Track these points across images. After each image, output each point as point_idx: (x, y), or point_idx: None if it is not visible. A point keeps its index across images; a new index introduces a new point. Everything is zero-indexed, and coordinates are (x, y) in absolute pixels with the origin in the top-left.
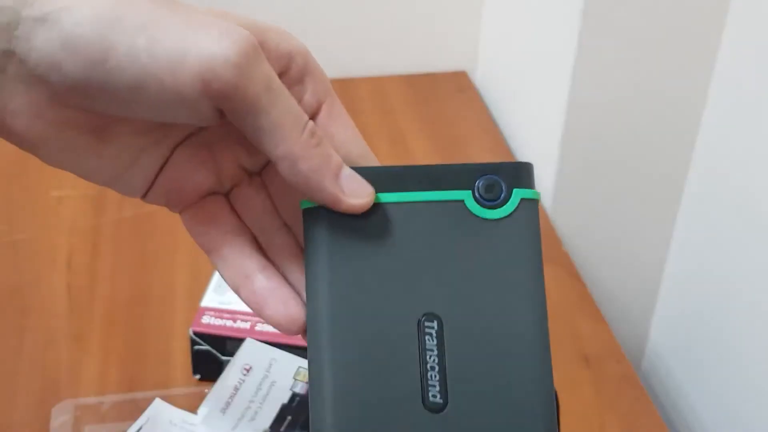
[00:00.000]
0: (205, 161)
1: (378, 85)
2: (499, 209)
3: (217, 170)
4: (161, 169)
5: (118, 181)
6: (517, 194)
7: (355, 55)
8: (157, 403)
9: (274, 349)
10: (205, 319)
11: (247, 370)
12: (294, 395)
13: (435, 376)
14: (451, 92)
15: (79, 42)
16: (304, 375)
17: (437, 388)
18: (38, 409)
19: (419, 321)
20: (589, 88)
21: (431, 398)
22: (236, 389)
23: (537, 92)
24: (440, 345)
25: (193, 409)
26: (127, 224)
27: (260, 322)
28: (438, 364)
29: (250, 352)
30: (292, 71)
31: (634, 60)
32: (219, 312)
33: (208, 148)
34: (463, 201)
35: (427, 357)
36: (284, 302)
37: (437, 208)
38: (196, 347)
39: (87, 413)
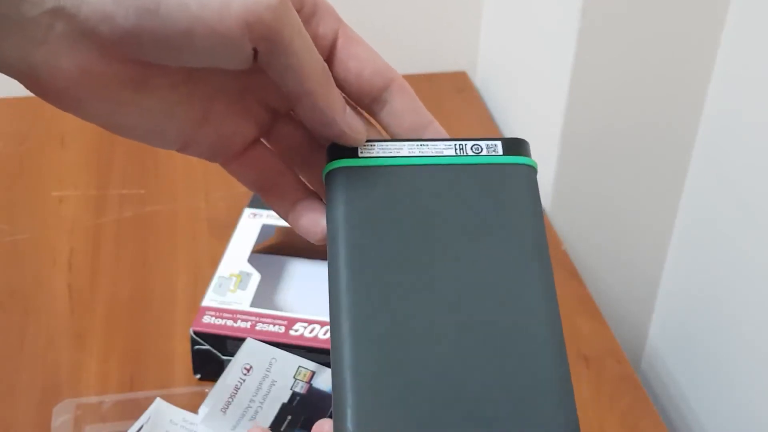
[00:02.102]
0: (242, 111)
1: None
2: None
3: (253, 118)
4: (200, 124)
5: (153, 135)
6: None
7: None
8: (158, 402)
9: (275, 348)
10: (206, 319)
11: (248, 370)
12: (294, 395)
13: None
14: (450, 93)
15: None
16: (305, 374)
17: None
18: (39, 409)
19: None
20: (589, 88)
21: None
22: (237, 389)
23: (537, 92)
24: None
25: (193, 408)
26: (128, 224)
27: (260, 321)
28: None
29: (250, 351)
30: (306, 8)
31: (634, 60)
32: (219, 312)
33: (240, 99)
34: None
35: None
36: (317, 217)
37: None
38: (197, 347)
39: (88, 413)
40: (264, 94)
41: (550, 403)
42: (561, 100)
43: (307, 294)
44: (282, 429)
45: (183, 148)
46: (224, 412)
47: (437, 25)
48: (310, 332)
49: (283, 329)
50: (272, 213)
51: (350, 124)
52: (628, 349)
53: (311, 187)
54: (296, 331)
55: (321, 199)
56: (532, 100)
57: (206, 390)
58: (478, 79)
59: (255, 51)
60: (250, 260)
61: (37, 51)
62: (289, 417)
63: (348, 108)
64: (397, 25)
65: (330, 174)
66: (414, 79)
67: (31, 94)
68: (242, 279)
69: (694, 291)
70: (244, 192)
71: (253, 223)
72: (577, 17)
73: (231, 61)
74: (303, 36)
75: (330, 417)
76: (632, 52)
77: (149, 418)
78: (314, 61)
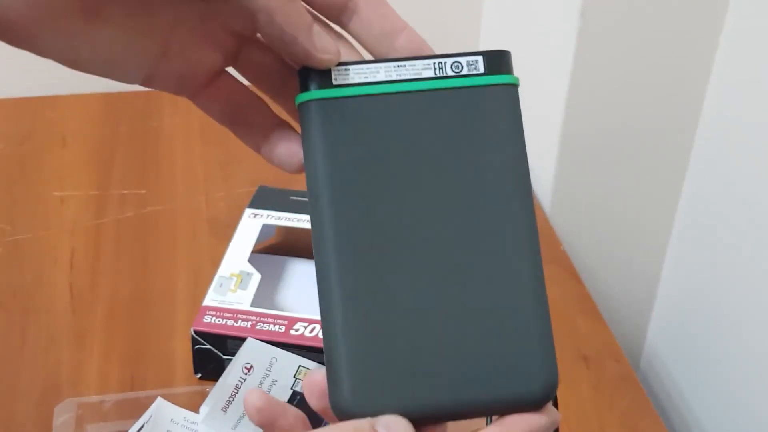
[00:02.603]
0: (204, 38)
1: None
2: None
3: (217, 45)
4: (161, 55)
5: (112, 68)
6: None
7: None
8: (159, 401)
9: (275, 348)
10: (207, 319)
11: (248, 369)
12: (295, 394)
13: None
14: None
15: None
16: (305, 374)
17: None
18: (40, 408)
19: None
20: (588, 89)
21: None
22: (237, 388)
23: (536, 93)
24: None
25: (194, 407)
26: (129, 224)
27: (261, 321)
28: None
29: (251, 351)
30: None
31: (633, 61)
32: (220, 311)
33: (202, 25)
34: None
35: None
36: (292, 147)
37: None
38: (198, 346)
39: (89, 412)
40: (226, 17)
41: (530, 357)
42: (560, 101)
43: (307, 294)
44: None
45: (146, 81)
46: (225, 411)
47: (437, 26)
48: (311, 332)
49: (283, 329)
50: (273, 213)
51: (316, 42)
52: (628, 348)
53: (288, 114)
54: (297, 330)
55: (294, 128)
56: (531, 101)
57: (207, 389)
58: None
59: None
60: (251, 260)
61: None
62: None
63: (315, 24)
64: None
65: (303, 106)
66: None
67: (31, 95)
68: (243, 279)
69: (693, 291)
70: (245, 192)
71: (254, 223)
72: (576, 18)
73: None
74: None
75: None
76: (631, 53)
77: (150, 417)
78: None
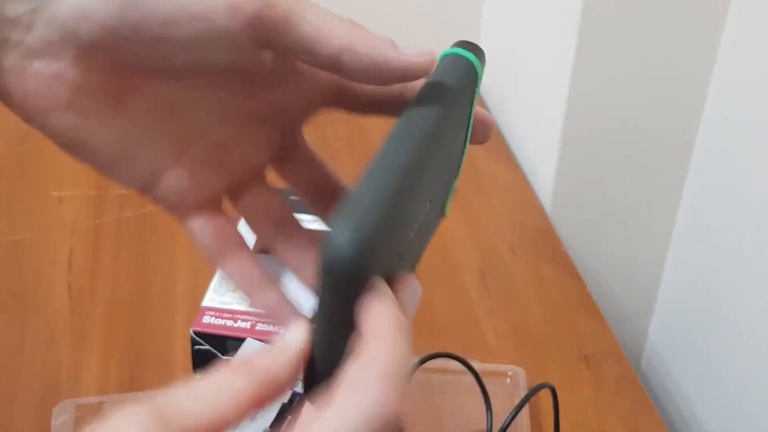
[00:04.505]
0: (220, 162)
1: None
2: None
3: (226, 175)
4: (172, 163)
5: (116, 163)
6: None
7: None
8: None
9: None
10: (206, 319)
11: None
12: (294, 395)
13: None
14: None
15: None
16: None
17: None
18: (39, 409)
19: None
20: (589, 88)
21: None
22: None
23: (537, 93)
24: None
25: None
26: (128, 224)
27: (261, 321)
28: None
29: (250, 351)
30: None
31: (634, 61)
32: (219, 312)
33: (221, 150)
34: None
35: None
36: (288, 319)
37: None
38: (197, 347)
39: (88, 413)
40: (243, 152)
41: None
42: (561, 100)
43: (306, 294)
44: (282, 430)
45: (144, 188)
46: None
47: (437, 25)
48: None
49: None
50: None
51: (408, 51)
52: (628, 349)
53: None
54: None
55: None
56: (532, 100)
57: None
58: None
59: (255, 40)
60: None
61: (10, 53)
62: (290, 417)
63: (387, 38)
64: (397, 26)
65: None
66: None
67: None
68: None
69: (694, 291)
70: None
71: None
72: (577, 17)
73: (227, 54)
74: (302, 1)
75: None
76: (632, 53)
77: None
78: (329, 16)
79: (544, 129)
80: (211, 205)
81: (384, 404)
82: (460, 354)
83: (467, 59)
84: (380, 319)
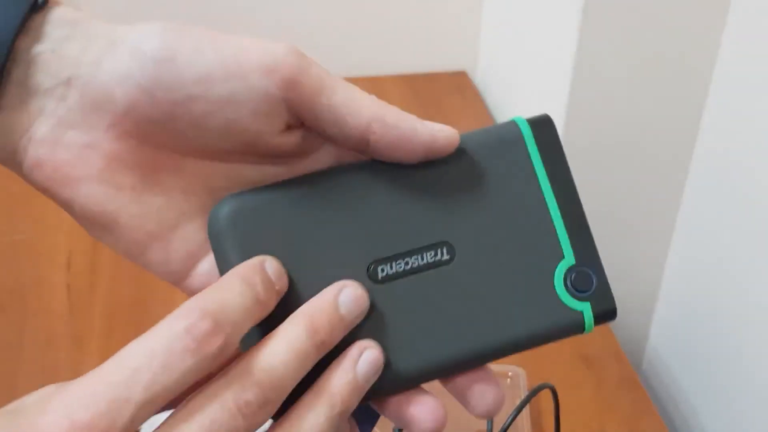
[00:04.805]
0: None
1: (378, 84)
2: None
3: None
4: (200, 251)
5: (155, 247)
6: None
7: (355, 55)
8: None
9: None
10: None
11: None
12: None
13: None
14: (450, 92)
15: (147, 47)
16: None
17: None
18: None
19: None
20: (589, 88)
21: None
22: None
23: (537, 92)
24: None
25: None
26: None
27: None
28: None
29: None
30: None
31: (634, 60)
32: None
33: None
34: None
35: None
36: None
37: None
38: None
39: None
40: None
41: None
42: (561, 100)
43: None
44: None
45: (179, 277)
46: None
47: (437, 25)
48: None
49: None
50: None
51: (433, 126)
52: (629, 349)
53: None
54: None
55: None
56: (532, 100)
57: None
58: (478, 79)
59: (287, 105)
60: None
61: (43, 124)
62: None
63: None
64: (398, 25)
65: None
66: (414, 79)
67: None
68: None
69: (694, 292)
70: None
71: None
72: (577, 17)
73: (257, 120)
74: (331, 74)
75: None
76: (633, 53)
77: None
78: (357, 89)
79: None
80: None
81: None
82: None
83: (518, 128)
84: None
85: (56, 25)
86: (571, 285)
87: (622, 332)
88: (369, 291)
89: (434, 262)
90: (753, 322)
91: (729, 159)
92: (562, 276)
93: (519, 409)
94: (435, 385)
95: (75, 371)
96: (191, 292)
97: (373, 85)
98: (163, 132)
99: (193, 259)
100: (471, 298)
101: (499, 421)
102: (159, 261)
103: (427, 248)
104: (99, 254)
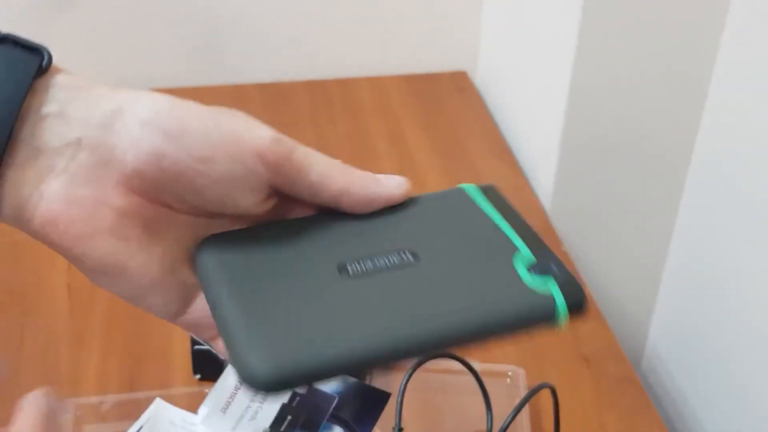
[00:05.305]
0: None
1: (378, 85)
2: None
3: None
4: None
5: (157, 290)
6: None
7: (356, 55)
8: (158, 402)
9: None
10: None
11: None
12: (294, 395)
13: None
14: (451, 92)
15: (157, 122)
16: None
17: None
18: None
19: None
20: (589, 88)
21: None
22: (236, 389)
23: (537, 92)
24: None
25: (193, 408)
26: None
27: None
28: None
29: None
30: None
31: (634, 60)
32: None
33: None
34: (517, 249)
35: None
36: None
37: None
38: (197, 347)
39: (87, 413)
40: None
41: None
42: (561, 100)
43: None
44: (282, 429)
45: (176, 314)
46: (224, 412)
47: (437, 26)
48: None
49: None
50: None
51: (388, 183)
52: (629, 349)
53: None
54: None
55: None
56: (532, 100)
57: (206, 390)
58: (478, 79)
59: (269, 187)
60: None
61: (53, 181)
62: (289, 417)
63: (374, 174)
64: (398, 26)
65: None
66: (414, 79)
67: None
68: None
69: (694, 291)
70: None
71: None
72: (577, 17)
73: (245, 196)
74: (309, 152)
75: (331, 417)
76: (632, 52)
77: (149, 418)
78: (330, 165)
79: (545, 129)
80: None
81: None
82: (460, 354)
83: (463, 189)
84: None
85: (60, 87)
86: (534, 271)
87: (621, 332)
88: (341, 285)
89: (400, 263)
90: (751, 321)
91: (728, 159)
92: (525, 267)
93: (518, 409)
94: (434, 385)
95: (75, 371)
96: (187, 327)
97: (374, 85)
98: (164, 193)
99: (188, 299)
100: (440, 287)
101: (499, 421)
102: (159, 303)
103: (393, 251)
104: None
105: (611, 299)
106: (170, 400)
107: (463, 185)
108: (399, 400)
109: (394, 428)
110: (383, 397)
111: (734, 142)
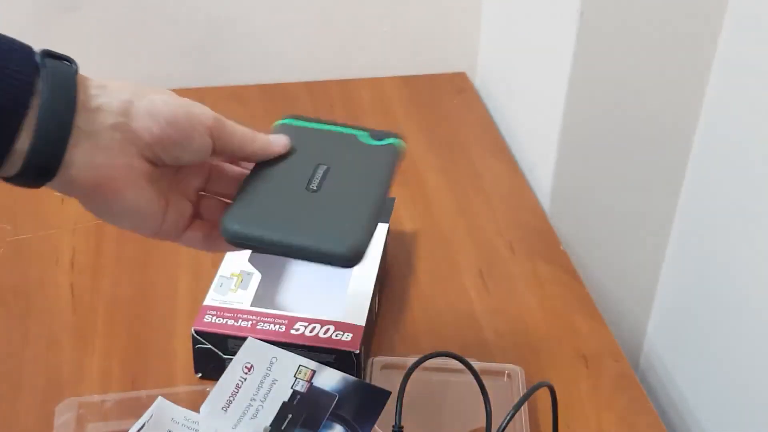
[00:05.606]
0: (182, 198)
1: (378, 86)
2: (379, 141)
3: (190, 201)
4: (167, 207)
5: (166, 219)
6: (390, 141)
7: (355, 57)
8: (160, 401)
9: (275, 347)
10: (207, 318)
11: (249, 369)
12: (295, 393)
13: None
14: (450, 93)
15: (160, 113)
16: (305, 373)
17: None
18: (42, 407)
19: (315, 166)
20: (587, 88)
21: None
22: (238, 387)
23: (535, 93)
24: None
25: (195, 407)
26: None
27: (261, 321)
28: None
29: (251, 350)
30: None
31: (632, 60)
32: (221, 311)
33: (182, 193)
34: (357, 135)
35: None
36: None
37: (337, 135)
38: (198, 346)
39: (90, 411)
40: (189, 184)
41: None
42: (560, 101)
43: (307, 293)
44: (283, 427)
45: (167, 236)
46: (225, 410)
47: (437, 27)
48: (311, 331)
49: (283, 328)
50: None
51: (278, 140)
52: (627, 348)
53: None
54: (297, 330)
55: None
56: (531, 101)
57: (207, 389)
58: (478, 80)
59: (212, 147)
60: (251, 260)
61: (101, 153)
62: (290, 415)
63: (271, 136)
64: (398, 27)
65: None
66: (414, 80)
67: None
68: (243, 278)
69: (692, 290)
70: None
71: None
72: (575, 18)
73: (202, 150)
74: (234, 123)
75: (331, 415)
76: (630, 54)
77: (151, 416)
78: (245, 130)
79: (543, 129)
80: (190, 222)
81: None
82: (459, 353)
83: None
84: None
85: (91, 86)
86: (374, 137)
87: (619, 331)
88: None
89: (325, 172)
90: (749, 320)
91: (727, 159)
92: (370, 138)
93: (517, 407)
94: (434, 384)
95: (78, 369)
96: (184, 243)
97: (373, 86)
98: (157, 158)
99: (184, 223)
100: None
101: (497, 419)
102: (168, 230)
103: (319, 167)
104: (102, 254)
105: (609, 298)
106: (172, 398)
107: (277, 122)
108: (399, 398)
109: (394, 426)
110: (383, 395)
111: (733, 143)
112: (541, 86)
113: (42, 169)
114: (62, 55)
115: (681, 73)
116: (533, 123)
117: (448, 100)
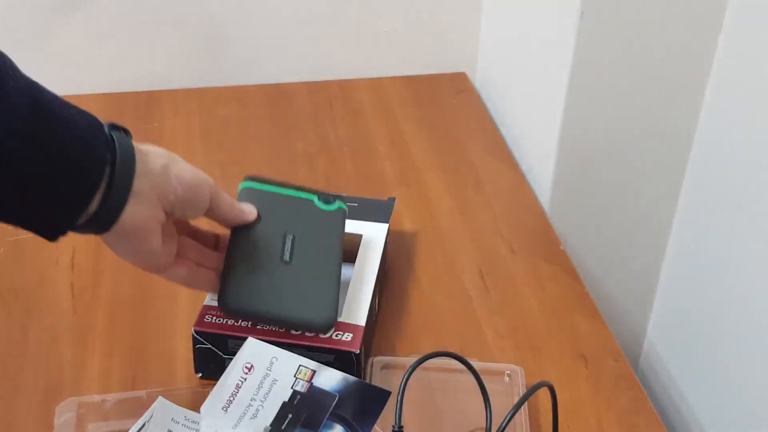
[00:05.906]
0: (172, 240)
1: (378, 86)
2: (329, 205)
3: (174, 243)
4: (165, 244)
5: (156, 255)
6: (338, 204)
7: (355, 57)
8: (160, 401)
9: (276, 347)
10: (208, 318)
11: (249, 369)
12: (295, 393)
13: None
14: (450, 93)
15: (184, 179)
16: (305, 373)
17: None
18: (42, 407)
19: (283, 235)
20: (587, 89)
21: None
22: (238, 387)
23: (535, 93)
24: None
25: (195, 407)
26: None
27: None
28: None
29: (251, 350)
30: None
31: (632, 62)
32: (221, 311)
33: (172, 235)
34: (312, 200)
35: (285, 250)
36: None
37: (295, 200)
38: (198, 346)
39: (90, 411)
40: (174, 230)
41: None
42: (559, 101)
43: None
44: (283, 427)
45: (157, 266)
46: (226, 410)
47: (437, 27)
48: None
49: (283, 328)
50: None
51: (249, 208)
52: (626, 347)
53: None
54: (297, 330)
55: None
56: (530, 101)
57: (208, 389)
58: (478, 80)
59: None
60: None
61: (142, 207)
62: (290, 415)
63: (242, 205)
64: (398, 27)
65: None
66: (414, 80)
67: None
68: None
69: (691, 290)
70: None
71: None
72: (575, 19)
73: (203, 209)
74: (221, 192)
75: (332, 415)
76: (630, 54)
77: (151, 416)
78: (228, 199)
79: (543, 130)
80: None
81: None
82: (459, 353)
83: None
84: None
85: (140, 153)
86: (323, 200)
87: (619, 331)
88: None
89: (292, 240)
90: (749, 320)
91: (725, 159)
92: (321, 203)
93: (517, 407)
94: (434, 384)
95: (78, 369)
96: (169, 277)
97: (374, 86)
98: (175, 212)
99: (172, 260)
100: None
101: (498, 419)
102: (162, 266)
103: (286, 236)
104: (102, 253)
105: (609, 298)
106: (172, 398)
107: (242, 184)
108: (399, 398)
109: (393, 426)
110: (383, 395)
111: (731, 143)
112: (541, 86)
113: (103, 223)
114: (121, 126)
115: (681, 73)
116: (533, 123)
117: (448, 100)
